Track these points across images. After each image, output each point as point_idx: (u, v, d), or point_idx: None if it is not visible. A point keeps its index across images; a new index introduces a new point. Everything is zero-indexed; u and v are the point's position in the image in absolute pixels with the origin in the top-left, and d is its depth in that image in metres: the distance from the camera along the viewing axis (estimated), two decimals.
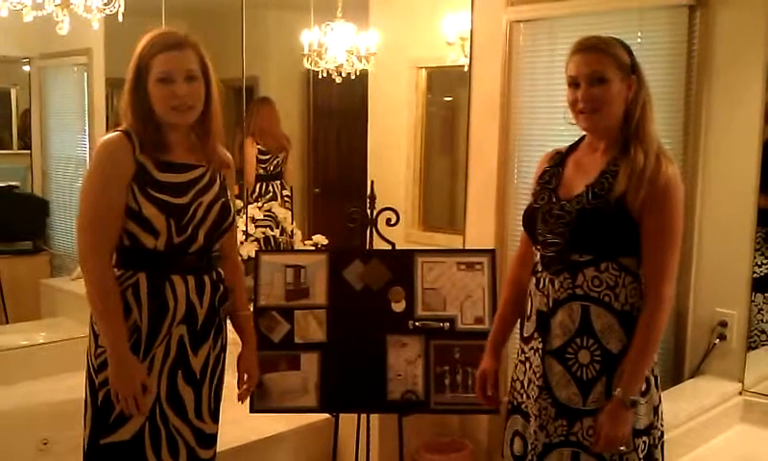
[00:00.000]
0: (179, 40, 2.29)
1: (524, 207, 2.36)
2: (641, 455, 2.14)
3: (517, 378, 2.35)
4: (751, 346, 3.19)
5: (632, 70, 2.15)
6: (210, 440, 2.46)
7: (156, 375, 2.32)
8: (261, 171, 5.18)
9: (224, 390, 2.53)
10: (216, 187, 2.39)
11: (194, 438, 2.40)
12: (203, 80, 2.32)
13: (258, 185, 5.17)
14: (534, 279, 2.28)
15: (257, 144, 5.15)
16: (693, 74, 3.04)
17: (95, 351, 2.31)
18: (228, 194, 2.46)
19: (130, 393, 2.25)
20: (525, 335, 2.31)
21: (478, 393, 2.47)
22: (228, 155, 2.54)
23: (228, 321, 2.56)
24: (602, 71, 2.14)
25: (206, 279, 2.38)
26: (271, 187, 5.21)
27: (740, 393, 3.06)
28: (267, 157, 5.20)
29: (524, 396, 2.30)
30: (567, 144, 2.34)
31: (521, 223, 2.36)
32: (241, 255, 4.03)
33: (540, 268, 2.25)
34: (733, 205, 3.02)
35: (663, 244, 2.10)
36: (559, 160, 2.32)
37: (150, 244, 2.28)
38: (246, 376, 2.63)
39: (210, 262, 2.41)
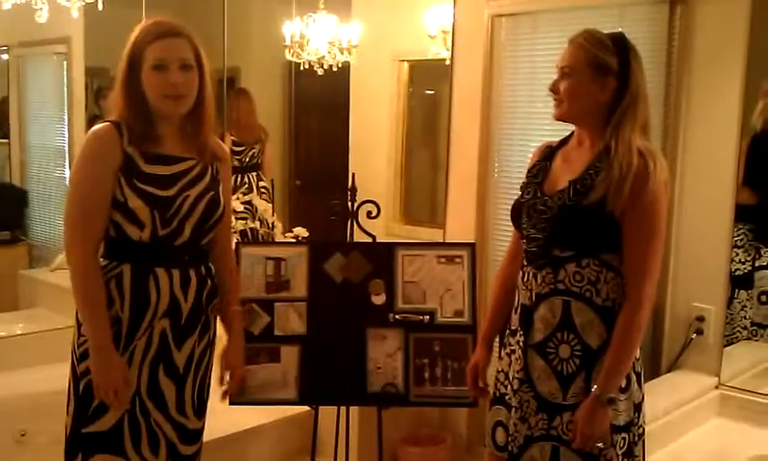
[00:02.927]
0: (174, 29, 2.27)
1: (505, 201, 2.38)
2: (620, 452, 2.15)
3: (501, 370, 2.36)
4: (731, 341, 3.22)
5: (615, 73, 2.13)
6: (193, 436, 2.44)
7: (137, 367, 2.30)
8: (236, 163, 5.15)
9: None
10: (206, 180, 2.36)
11: (176, 433, 2.38)
12: (197, 70, 2.30)
13: (234, 177, 5.14)
14: (520, 274, 2.29)
15: (231, 136, 5.12)
16: (673, 69, 3.06)
17: (78, 339, 2.30)
18: (221, 187, 2.42)
19: (111, 385, 2.24)
20: (511, 328, 2.32)
21: (469, 383, 2.49)
22: (224, 147, 2.52)
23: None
24: (571, 66, 2.17)
25: (193, 273, 2.35)
26: (246, 179, 5.18)
27: (717, 387, 3.09)
28: (241, 148, 5.17)
29: (507, 387, 2.32)
30: (559, 138, 2.35)
31: (507, 217, 2.37)
32: None
33: (525, 262, 2.26)
34: (712, 200, 3.04)
35: (646, 244, 2.10)
36: (548, 154, 2.33)
37: (135, 236, 2.26)
38: (230, 374, 2.60)
39: (198, 257, 2.38)
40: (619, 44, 2.16)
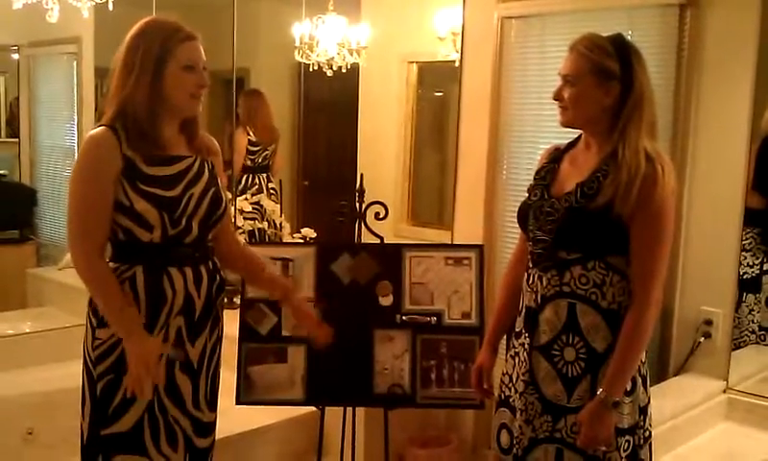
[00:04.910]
0: (193, 32, 2.32)
1: (513, 203, 2.38)
2: (624, 454, 2.15)
3: (506, 373, 2.36)
4: (739, 345, 3.21)
5: (618, 77, 2.12)
6: (208, 429, 2.46)
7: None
8: (249, 163, 5.16)
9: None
10: (206, 177, 2.38)
11: (192, 427, 2.39)
12: None
13: (245, 177, 5.15)
14: (525, 276, 2.29)
15: (249, 135, 5.13)
16: (683, 73, 3.05)
17: (92, 342, 2.30)
18: (219, 182, 2.45)
19: (150, 357, 2.21)
20: (516, 330, 2.32)
21: (474, 385, 2.49)
22: (215, 141, 2.53)
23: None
24: (573, 73, 2.16)
25: (203, 269, 2.37)
26: (257, 179, 5.19)
27: (724, 391, 3.08)
28: (257, 148, 5.18)
29: (512, 390, 2.32)
30: (567, 141, 2.35)
31: (515, 218, 2.37)
32: None
33: (530, 264, 2.26)
34: (721, 203, 3.03)
35: (654, 247, 2.10)
36: (556, 157, 2.33)
37: (145, 238, 2.27)
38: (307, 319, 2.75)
39: (206, 253, 2.40)
40: (620, 47, 2.15)
